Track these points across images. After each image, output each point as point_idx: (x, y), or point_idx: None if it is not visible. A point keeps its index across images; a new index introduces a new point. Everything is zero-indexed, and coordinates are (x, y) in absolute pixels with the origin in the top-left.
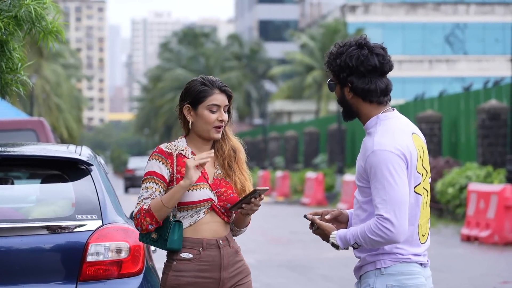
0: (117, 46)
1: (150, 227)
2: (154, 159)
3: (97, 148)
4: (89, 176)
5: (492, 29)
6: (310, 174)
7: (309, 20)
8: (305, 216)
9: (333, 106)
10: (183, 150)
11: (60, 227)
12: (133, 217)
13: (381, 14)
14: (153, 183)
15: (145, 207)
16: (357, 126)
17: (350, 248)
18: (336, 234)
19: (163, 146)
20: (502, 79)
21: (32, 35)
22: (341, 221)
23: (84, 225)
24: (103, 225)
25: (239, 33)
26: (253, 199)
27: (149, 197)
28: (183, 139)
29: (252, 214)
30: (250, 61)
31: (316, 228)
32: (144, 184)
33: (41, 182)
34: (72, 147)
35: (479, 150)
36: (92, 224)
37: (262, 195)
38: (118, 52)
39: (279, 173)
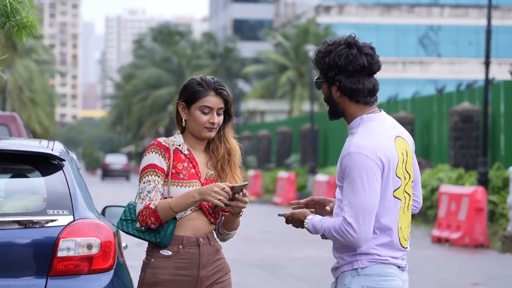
0: (91, 43)
1: (153, 226)
2: (154, 152)
3: (69, 144)
4: (61, 171)
5: (465, 32)
6: (282, 174)
7: (284, 19)
8: (279, 215)
9: (306, 106)
10: (179, 145)
11: (31, 222)
12: (136, 212)
13: (355, 15)
14: (154, 175)
15: (152, 206)
16: (329, 126)
17: (324, 248)
18: (310, 220)
19: (161, 140)
20: (475, 82)
21: (6, 29)
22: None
23: (55, 220)
24: (74, 220)
25: (213, 32)
26: (236, 195)
27: (152, 190)
28: (180, 135)
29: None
30: (224, 60)
31: (289, 219)
32: (145, 177)
33: (13, 177)
34: (44, 142)
35: (451, 152)
36: (63, 220)
37: (245, 191)
38: (92, 49)
39: (251, 172)
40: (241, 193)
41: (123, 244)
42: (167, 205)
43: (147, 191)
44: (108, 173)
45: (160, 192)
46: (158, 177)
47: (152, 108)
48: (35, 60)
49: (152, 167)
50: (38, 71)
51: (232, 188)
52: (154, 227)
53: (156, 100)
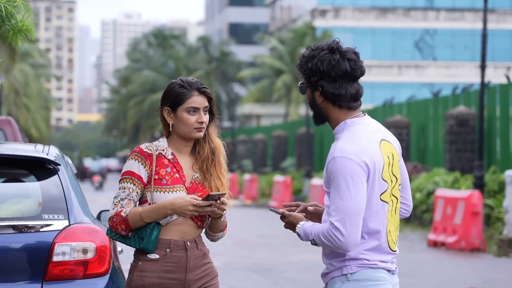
0: (86, 47)
1: (123, 232)
2: (134, 159)
3: (65, 148)
4: (56, 175)
5: (461, 36)
6: (278, 178)
7: (279, 23)
8: (271, 209)
9: (303, 110)
10: (163, 151)
11: (27, 227)
12: (108, 217)
13: (351, 19)
14: (130, 183)
15: (123, 214)
16: (325, 130)
17: (320, 253)
18: (302, 226)
19: (143, 147)
20: (471, 86)
21: (1, 33)
22: (319, 214)
23: (50, 224)
24: (69, 225)
25: (209, 36)
26: (213, 202)
27: (125, 198)
28: (164, 139)
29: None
30: (220, 63)
31: (285, 218)
32: (121, 183)
33: (8, 181)
34: (39, 147)
35: (447, 156)
36: (59, 224)
37: (223, 198)
38: (88, 53)
39: (247, 176)
40: (218, 200)
41: (119, 249)
42: (138, 216)
43: (121, 198)
44: (86, 175)
45: (133, 200)
46: (134, 185)
47: (148, 112)
48: (31, 64)
49: (130, 174)
50: (33, 75)
51: (208, 196)
52: (125, 234)
53: (152, 104)
